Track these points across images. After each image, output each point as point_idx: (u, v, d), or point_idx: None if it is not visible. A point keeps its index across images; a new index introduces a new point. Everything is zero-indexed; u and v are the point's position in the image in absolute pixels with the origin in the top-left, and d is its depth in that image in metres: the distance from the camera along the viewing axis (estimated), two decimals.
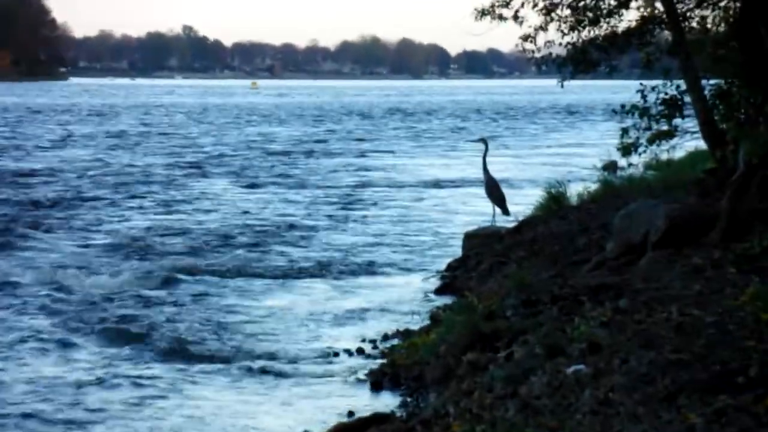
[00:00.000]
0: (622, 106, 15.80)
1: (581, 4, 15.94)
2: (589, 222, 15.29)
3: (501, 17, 16.14)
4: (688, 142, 16.64)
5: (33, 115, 72.93)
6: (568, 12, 16.15)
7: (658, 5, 15.65)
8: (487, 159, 18.29)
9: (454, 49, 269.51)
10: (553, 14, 16.15)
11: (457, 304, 11.63)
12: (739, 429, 6.25)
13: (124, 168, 36.42)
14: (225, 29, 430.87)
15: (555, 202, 18.61)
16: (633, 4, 16.08)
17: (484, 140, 18.67)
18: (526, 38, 16.37)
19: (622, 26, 16.18)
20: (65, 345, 12.68)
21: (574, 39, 16.17)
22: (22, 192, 28.52)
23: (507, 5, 15.71)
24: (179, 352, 12.33)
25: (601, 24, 16.17)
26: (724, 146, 14.53)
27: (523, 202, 20.70)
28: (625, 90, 16.41)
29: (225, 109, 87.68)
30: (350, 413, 9.71)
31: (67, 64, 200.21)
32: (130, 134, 54.97)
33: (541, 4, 15.78)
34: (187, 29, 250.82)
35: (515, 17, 16.25)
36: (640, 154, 16.37)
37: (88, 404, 10.38)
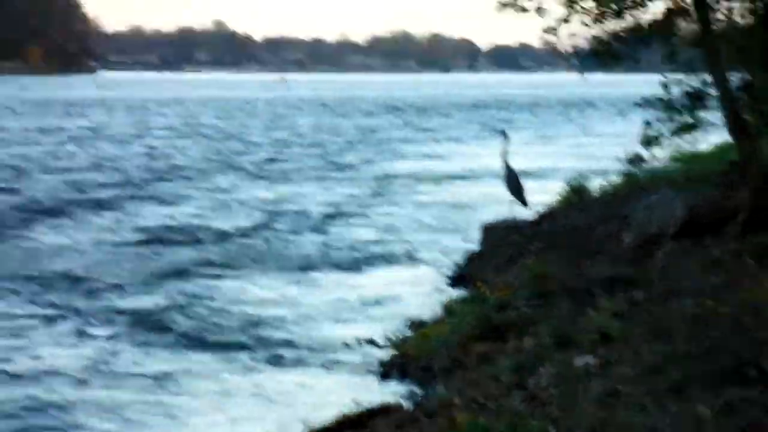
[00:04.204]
0: (646, 99, 15.59)
1: None
2: (609, 214, 15.08)
3: (523, 9, 15.92)
4: (714, 135, 16.42)
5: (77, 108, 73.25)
6: (591, 4, 15.92)
7: None
8: (510, 151, 18.05)
9: (484, 44, 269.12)
10: (575, 6, 15.92)
11: (470, 296, 11.47)
12: (748, 421, 6.05)
13: (175, 159, 36.83)
14: (255, 24, 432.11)
15: (576, 194, 18.40)
16: None
17: (504, 133, 18.45)
18: (548, 31, 16.14)
19: (646, 18, 15.92)
20: (83, 334, 12.66)
21: (598, 32, 15.93)
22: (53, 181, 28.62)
23: None
24: (194, 341, 12.32)
25: (625, 16, 15.92)
26: (749, 139, 14.31)
27: (545, 195, 20.49)
28: (652, 83, 16.23)
29: (271, 103, 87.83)
30: (357, 403, 9.56)
31: (98, 57, 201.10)
32: (176, 127, 55.15)
33: None
34: (218, 24, 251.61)
35: (538, 9, 16.04)
36: (663, 147, 16.15)
37: (102, 394, 10.31)
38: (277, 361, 11.43)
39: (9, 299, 14.61)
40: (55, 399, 10.19)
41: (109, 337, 12.49)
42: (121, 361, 11.51)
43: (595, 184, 18.78)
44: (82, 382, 10.70)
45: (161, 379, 10.80)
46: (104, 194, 26.73)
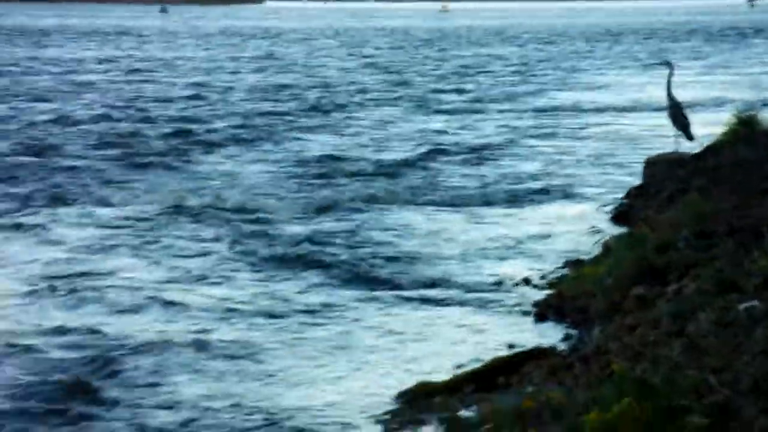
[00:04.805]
0: None
1: None
2: None
3: None
4: None
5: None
6: None
7: None
8: (675, 81, 17.42)
9: None
10: None
11: (630, 235, 11.15)
12: None
13: (343, 89, 37.65)
14: None
15: (745, 126, 17.68)
16: None
17: (669, 63, 17.80)
18: None
19: None
20: (235, 271, 12.73)
21: None
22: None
23: None
24: (351, 275, 12.36)
25: None
26: None
27: (712, 127, 19.80)
28: None
29: (435, 33, 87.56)
30: (510, 346, 9.43)
31: None
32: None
33: None
34: None
35: None
36: None
37: (260, 333, 10.37)
38: (431, 299, 11.33)
39: (171, 229, 14.89)
40: (223, 335, 10.26)
41: (267, 272, 12.59)
42: (279, 295, 11.60)
43: (766, 116, 18.02)
44: (248, 317, 10.79)
45: (312, 317, 10.81)
46: (270, 123, 27.48)
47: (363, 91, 37.14)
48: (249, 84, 39.78)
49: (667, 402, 5.67)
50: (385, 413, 8.15)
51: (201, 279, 12.35)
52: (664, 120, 17.97)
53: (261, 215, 15.89)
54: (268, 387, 8.90)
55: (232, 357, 9.62)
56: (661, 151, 17.73)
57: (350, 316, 10.88)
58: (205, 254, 13.50)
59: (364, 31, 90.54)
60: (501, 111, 30.68)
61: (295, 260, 13.13)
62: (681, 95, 18.25)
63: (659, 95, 17.73)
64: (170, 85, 39.09)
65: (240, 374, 9.19)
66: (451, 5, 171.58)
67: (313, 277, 12.38)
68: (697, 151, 16.84)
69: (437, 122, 28.07)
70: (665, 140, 18.42)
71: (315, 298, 11.48)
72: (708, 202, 11.52)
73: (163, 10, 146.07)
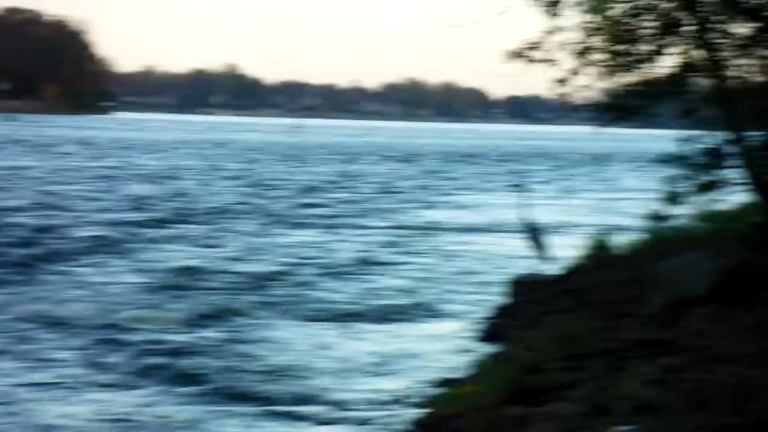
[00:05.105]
0: (665, 156, 15.47)
1: (614, 48, 15.54)
2: (634, 273, 14.97)
3: (533, 60, 15.83)
4: (738, 194, 16.30)
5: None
6: (602, 56, 15.80)
7: (698, 53, 15.28)
8: (531, 204, 17.98)
9: (496, 94, 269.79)
10: (586, 58, 15.81)
11: (501, 355, 11.36)
12: None
13: (202, 201, 37.35)
14: (267, 68, 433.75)
15: (600, 250, 18.31)
16: (671, 50, 15.68)
17: (524, 185, 18.41)
18: (559, 82, 16.04)
19: (658, 73, 15.80)
20: (100, 384, 12.48)
21: (610, 85, 15.81)
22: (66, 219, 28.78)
23: (536, 47, 15.33)
24: (214, 391, 12.20)
25: (637, 70, 15.79)
26: None
27: (568, 250, 20.41)
28: (668, 138, 16.13)
29: (291, 147, 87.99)
30: None
31: (112, 98, 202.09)
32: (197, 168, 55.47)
33: (573, 47, 15.40)
34: (230, 66, 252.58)
35: (548, 60, 15.92)
36: (685, 205, 16.02)
37: None
38: (302, 416, 11.26)
39: (24, 339, 14.53)
40: None
41: (129, 387, 12.37)
42: (138, 411, 11.34)
43: (619, 241, 18.69)
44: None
45: (183, 429, 10.65)
46: (132, 234, 27.06)
47: (221, 203, 37.06)
48: (106, 194, 39.23)
49: None
50: None
51: (52, 388, 12.04)
52: (524, 240, 18.49)
53: (120, 326, 15.63)
54: None
55: None
56: (523, 272, 18.19)
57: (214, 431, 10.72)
58: (60, 364, 13.19)
59: (221, 145, 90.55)
60: (362, 227, 31.00)
61: (157, 372, 12.93)
62: (537, 217, 18.83)
63: (517, 217, 18.31)
64: (23, 193, 38.11)
65: None
66: (306, 122, 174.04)
67: (176, 389, 12.17)
68: (557, 273, 17.34)
69: (299, 236, 28.17)
70: (526, 261, 18.91)
71: (176, 412, 11.25)
72: (574, 324, 11.85)
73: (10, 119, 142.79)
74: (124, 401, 11.77)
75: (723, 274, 11.63)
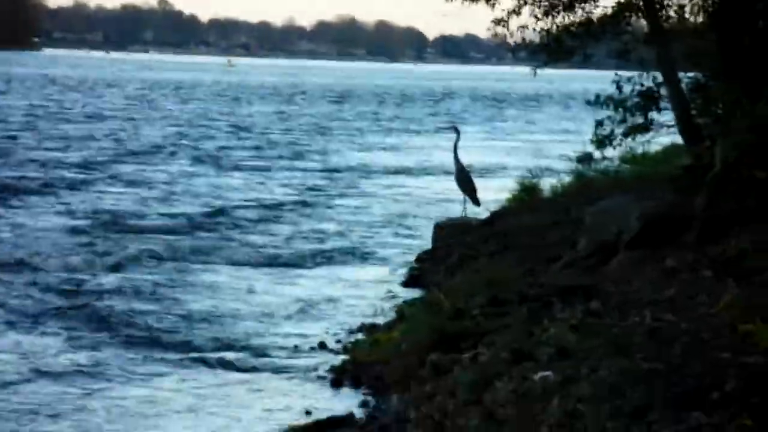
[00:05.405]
0: (597, 97, 15.42)
1: None
2: (561, 216, 14.95)
3: None
4: (666, 137, 16.31)
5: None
6: None
7: None
8: (459, 147, 17.85)
9: (431, 33, 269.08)
10: None
11: (423, 301, 11.28)
12: None
13: (128, 142, 36.52)
14: (200, 4, 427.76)
15: (528, 193, 18.30)
16: None
17: (455, 128, 18.26)
18: (498, 22, 15.90)
19: (597, 13, 15.74)
20: (26, 330, 12.17)
21: (548, 25, 15.72)
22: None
23: None
24: (133, 337, 11.95)
25: (576, 10, 15.72)
26: (701, 142, 14.20)
27: (497, 193, 20.39)
28: (603, 80, 16.03)
29: (222, 87, 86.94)
30: (307, 413, 9.33)
31: (41, 34, 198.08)
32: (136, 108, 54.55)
33: None
34: (162, 2, 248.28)
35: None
36: (614, 147, 16.01)
37: (43, 394, 9.92)
38: (225, 362, 11.05)
39: None
40: None
41: (48, 331, 12.09)
42: (54, 355, 11.11)
43: (547, 183, 18.68)
44: (16, 382, 10.28)
45: (100, 381, 10.36)
46: (56, 176, 26.42)
47: (151, 144, 36.49)
48: (32, 133, 38.44)
49: None
50: None
51: None
52: (452, 184, 18.39)
53: (42, 268, 15.30)
54: None
55: None
56: (449, 215, 18.12)
57: (133, 377, 10.48)
58: None
59: (153, 83, 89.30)
60: (292, 169, 30.72)
61: (75, 315, 12.66)
62: (467, 159, 18.73)
63: (447, 159, 18.16)
64: None
65: None
66: (236, 60, 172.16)
67: (96, 334, 11.92)
68: (484, 216, 17.29)
69: (229, 178, 27.82)
70: (453, 204, 18.85)
71: (93, 357, 11.01)
72: (498, 269, 11.79)
73: None
74: (38, 344, 11.52)
75: (650, 217, 11.59)
